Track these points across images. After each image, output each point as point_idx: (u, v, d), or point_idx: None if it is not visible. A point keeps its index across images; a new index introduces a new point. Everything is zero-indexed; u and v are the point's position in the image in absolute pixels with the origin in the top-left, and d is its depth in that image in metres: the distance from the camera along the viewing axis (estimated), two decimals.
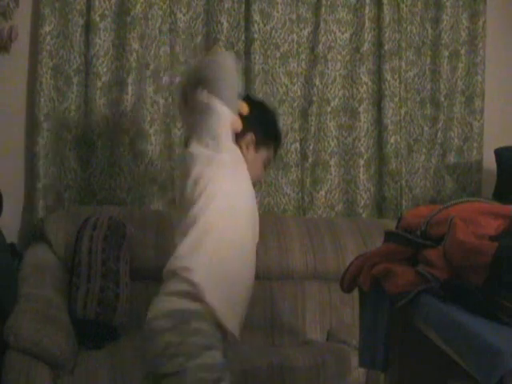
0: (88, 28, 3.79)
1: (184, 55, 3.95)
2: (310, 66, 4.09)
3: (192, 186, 2.34)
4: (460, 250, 1.86)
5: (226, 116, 2.35)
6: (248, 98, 2.60)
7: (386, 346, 2.21)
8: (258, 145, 2.56)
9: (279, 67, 4.02)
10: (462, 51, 4.24)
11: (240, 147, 2.49)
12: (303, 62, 4.10)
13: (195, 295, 2.19)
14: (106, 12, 3.81)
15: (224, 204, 2.34)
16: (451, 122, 4.27)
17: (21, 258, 3.51)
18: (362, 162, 4.13)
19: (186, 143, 2.51)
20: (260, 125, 2.58)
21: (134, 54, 3.80)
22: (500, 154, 3.88)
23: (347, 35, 4.12)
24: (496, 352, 1.51)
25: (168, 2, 3.89)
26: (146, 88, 3.84)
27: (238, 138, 2.47)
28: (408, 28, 4.19)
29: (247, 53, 3.99)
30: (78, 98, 3.83)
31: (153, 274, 3.49)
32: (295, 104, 4.06)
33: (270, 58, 4.01)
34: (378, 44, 4.13)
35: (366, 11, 4.10)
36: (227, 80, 2.38)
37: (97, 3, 3.77)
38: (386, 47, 4.10)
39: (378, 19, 4.12)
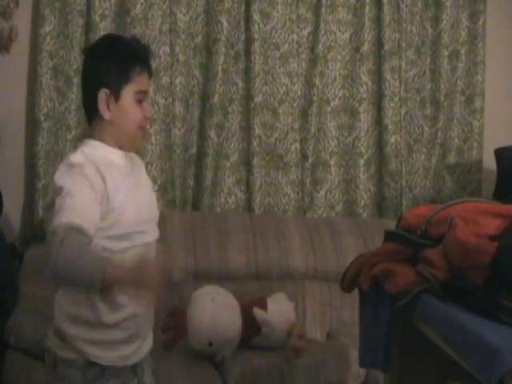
0: (88, 28, 3.80)
1: (184, 55, 3.96)
2: (310, 66, 4.09)
3: None
4: (460, 250, 1.86)
5: None
6: (83, 51, 2.28)
7: (386, 345, 2.21)
8: (116, 93, 2.10)
9: (279, 67, 4.03)
10: (462, 51, 4.24)
11: (100, 115, 2.11)
12: (303, 62, 4.10)
13: None
14: (106, 12, 3.81)
15: None
16: (451, 121, 4.27)
17: (21, 259, 3.52)
18: (362, 162, 4.13)
19: None
20: (105, 69, 2.11)
21: None
22: (500, 153, 3.87)
23: (347, 35, 4.12)
24: (496, 352, 1.51)
25: (168, 2, 3.89)
26: None
27: (93, 105, 2.10)
28: (408, 28, 4.19)
29: (247, 53, 3.99)
30: (78, 98, 3.82)
31: None
32: (295, 104, 4.06)
33: (270, 58, 4.01)
34: (378, 44, 4.13)
35: (366, 11, 4.09)
36: None
37: (97, 3, 3.78)
38: (386, 47, 4.10)
39: (377, 19, 4.12)
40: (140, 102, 2.13)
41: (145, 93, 2.15)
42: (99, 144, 2.12)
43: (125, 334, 2.12)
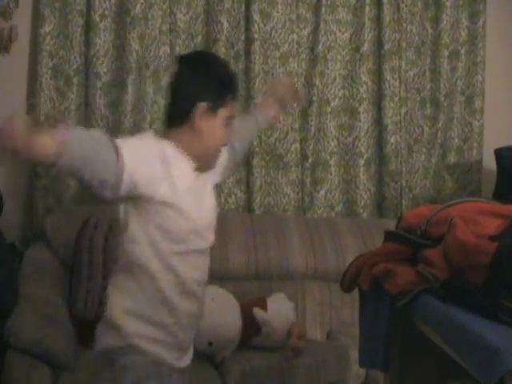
0: (88, 28, 3.80)
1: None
2: (310, 66, 4.09)
3: None
4: (460, 250, 1.86)
5: None
6: (181, 59, 2.31)
7: (386, 345, 2.21)
8: (213, 110, 2.19)
9: (279, 67, 4.03)
10: (462, 51, 4.24)
11: (192, 123, 2.19)
12: (303, 62, 4.10)
13: None
14: (106, 12, 3.81)
15: None
16: (451, 121, 4.27)
17: (21, 258, 3.52)
18: (362, 162, 4.13)
19: None
20: (208, 87, 2.20)
21: (134, 54, 3.80)
22: (500, 153, 3.87)
23: (347, 35, 4.12)
24: (496, 352, 1.51)
25: (168, 2, 3.89)
26: (146, 88, 3.85)
27: (185, 113, 2.19)
28: (408, 28, 4.19)
29: (247, 53, 3.99)
30: (77, 98, 3.83)
31: None
32: (295, 104, 4.05)
33: (270, 58, 4.01)
34: (378, 44, 4.13)
35: (366, 11, 4.09)
36: None
37: (97, 3, 3.78)
38: (386, 47, 4.10)
39: (377, 19, 4.12)
40: (226, 127, 2.22)
41: (231, 120, 2.25)
42: (174, 148, 2.17)
43: (171, 339, 2.20)
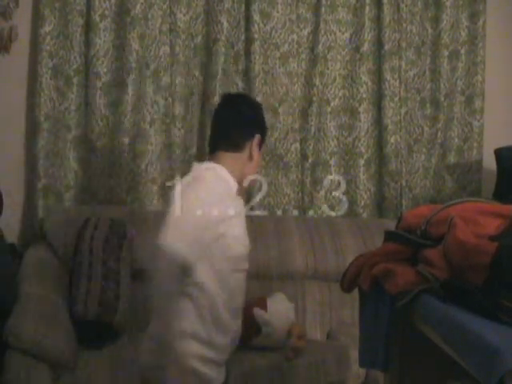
0: (88, 28, 3.80)
1: (184, 55, 3.96)
2: (310, 66, 4.09)
3: None
4: (460, 250, 1.86)
5: None
6: (241, 98, 2.81)
7: (386, 345, 2.21)
8: (260, 145, 2.63)
9: (279, 67, 4.03)
10: (462, 51, 4.24)
11: (248, 150, 2.59)
12: (303, 62, 4.10)
13: None
14: (106, 12, 3.81)
15: None
16: (451, 121, 4.27)
17: (21, 258, 3.52)
18: (362, 162, 4.13)
19: None
20: (261, 124, 2.66)
21: (134, 54, 3.80)
22: (500, 153, 3.87)
23: (347, 35, 4.12)
24: (496, 352, 1.51)
25: (168, 2, 3.90)
26: (146, 88, 3.85)
27: (243, 141, 2.56)
28: (408, 28, 4.19)
29: (247, 53, 3.99)
30: (77, 98, 3.83)
31: None
32: (295, 104, 4.06)
33: (270, 58, 4.01)
34: (378, 44, 4.13)
35: (366, 11, 4.09)
36: None
37: (97, 3, 3.78)
38: (386, 47, 4.10)
39: (377, 19, 4.12)
40: None
41: None
42: (227, 173, 2.50)
43: (220, 357, 2.44)
